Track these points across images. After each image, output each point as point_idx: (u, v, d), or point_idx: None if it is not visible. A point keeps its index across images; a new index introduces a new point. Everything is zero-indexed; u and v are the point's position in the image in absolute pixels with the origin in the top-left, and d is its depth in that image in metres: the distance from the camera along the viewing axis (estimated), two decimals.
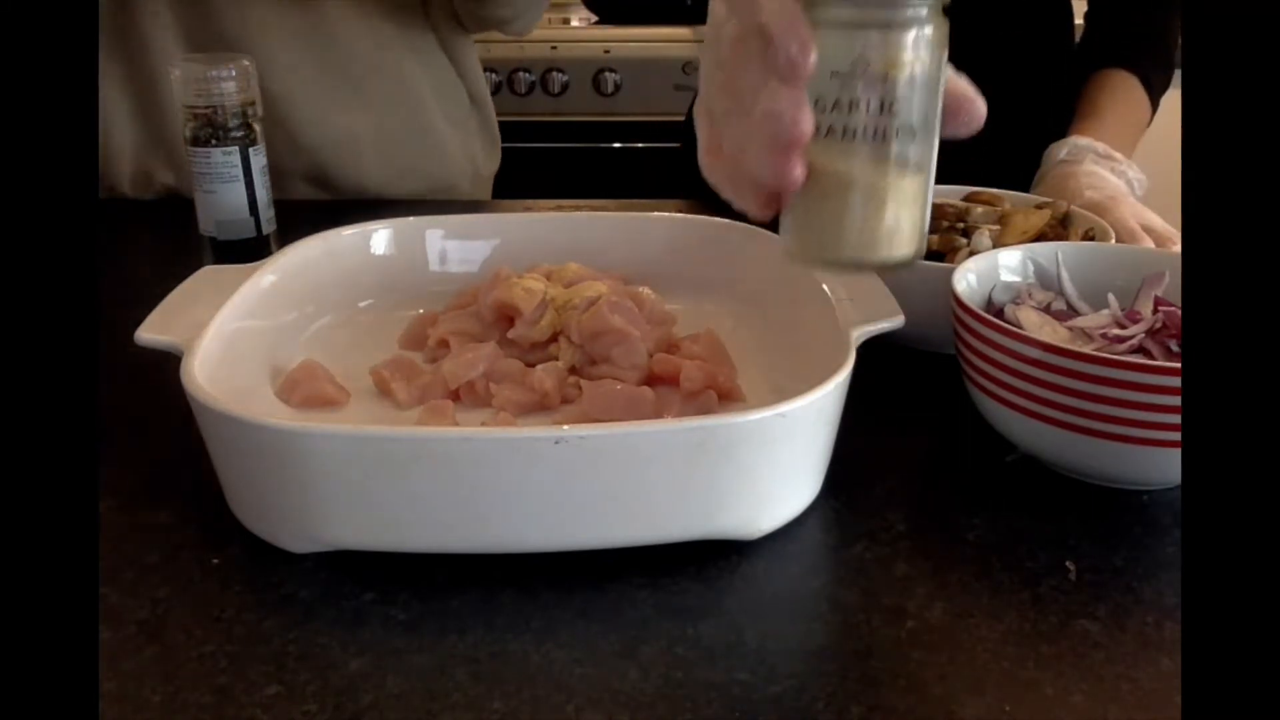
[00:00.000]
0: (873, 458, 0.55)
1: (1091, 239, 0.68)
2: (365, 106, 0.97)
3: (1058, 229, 0.70)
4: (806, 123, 0.35)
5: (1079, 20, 1.03)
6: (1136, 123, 0.92)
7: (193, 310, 0.54)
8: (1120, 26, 0.96)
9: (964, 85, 0.38)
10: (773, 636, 0.42)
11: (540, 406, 0.56)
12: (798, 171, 0.36)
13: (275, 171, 0.93)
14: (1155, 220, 0.74)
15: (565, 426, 0.42)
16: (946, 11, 0.36)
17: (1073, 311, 0.57)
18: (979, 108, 0.38)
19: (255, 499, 0.47)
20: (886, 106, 0.36)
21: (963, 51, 1.14)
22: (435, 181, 1.02)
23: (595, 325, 0.57)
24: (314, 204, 0.98)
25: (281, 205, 0.97)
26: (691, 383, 0.55)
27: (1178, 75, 1.00)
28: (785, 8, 0.35)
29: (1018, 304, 0.57)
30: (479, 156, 1.06)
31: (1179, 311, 0.53)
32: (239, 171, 0.76)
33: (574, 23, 2.10)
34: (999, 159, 0.95)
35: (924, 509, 0.51)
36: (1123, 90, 0.92)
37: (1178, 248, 0.71)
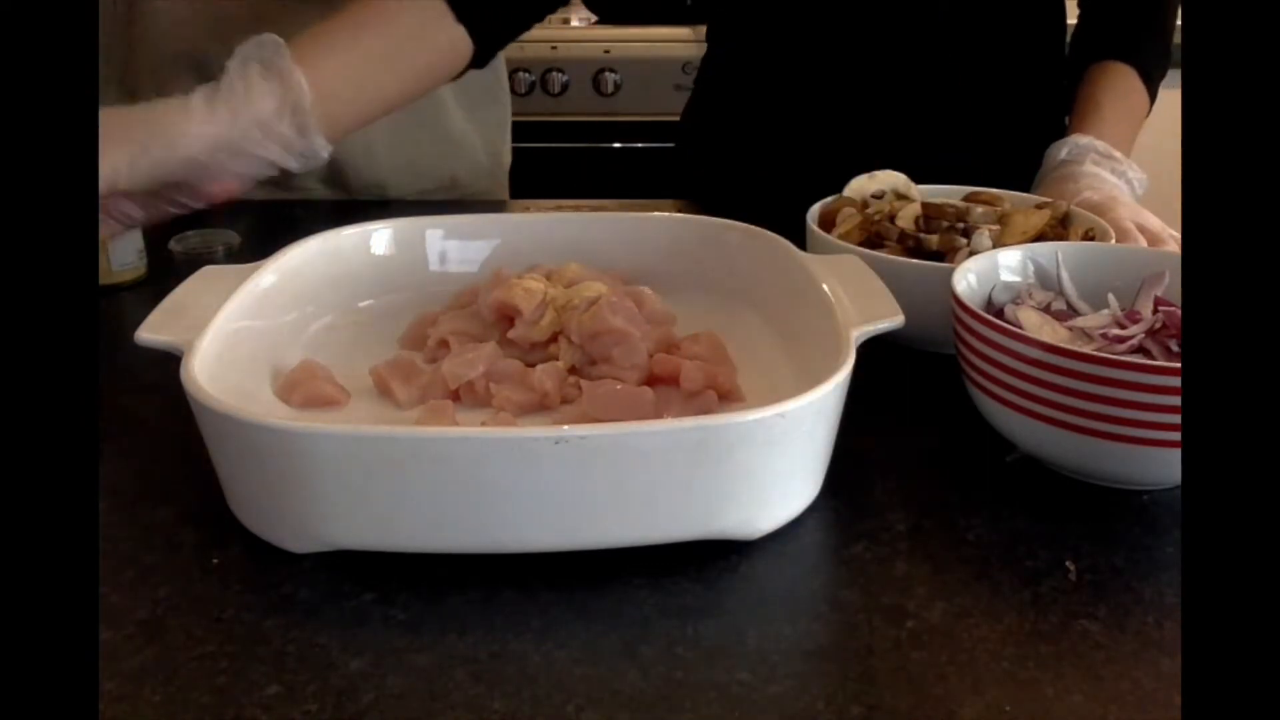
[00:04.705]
0: (873, 458, 0.55)
1: (1091, 239, 0.68)
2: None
3: (1058, 229, 0.70)
4: None
5: (1071, 20, 1.03)
6: (1135, 117, 0.92)
7: (193, 310, 0.53)
8: (1116, 17, 0.95)
9: None
10: (773, 636, 0.42)
11: (540, 406, 0.56)
12: None
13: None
14: (1151, 221, 0.74)
15: (565, 426, 0.42)
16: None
17: (1073, 311, 0.57)
18: None
19: (255, 499, 0.47)
20: None
21: (960, 55, 1.14)
22: (451, 179, 1.00)
23: (595, 325, 0.57)
24: (314, 204, 0.98)
25: (283, 206, 0.97)
26: (691, 383, 0.55)
27: (1175, 71, 0.99)
28: None
29: (1018, 304, 0.57)
30: (501, 150, 1.04)
31: (1179, 311, 0.53)
32: None
33: (574, 23, 2.09)
34: (999, 159, 0.95)
35: (924, 509, 0.51)
36: (1122, 84, 0.91)
37: (1171, 247, 0.71)
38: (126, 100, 0.93)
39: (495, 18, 0.77)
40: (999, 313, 0.56)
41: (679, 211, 0.77)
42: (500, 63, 1.04)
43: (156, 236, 0.81)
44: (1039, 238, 0.68)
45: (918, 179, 0.77)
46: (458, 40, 0.75)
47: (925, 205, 0.70)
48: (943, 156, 0.93)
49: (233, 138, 0.62)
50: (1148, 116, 0.94)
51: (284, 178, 0.95)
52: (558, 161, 1.93)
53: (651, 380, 0.56)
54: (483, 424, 0.53)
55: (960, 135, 0.99)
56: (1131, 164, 0.84)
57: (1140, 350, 0.53)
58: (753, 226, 0.68)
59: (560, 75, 1.89)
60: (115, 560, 0.46)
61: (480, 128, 1.02)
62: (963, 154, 0.97)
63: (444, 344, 0.61)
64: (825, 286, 0.56)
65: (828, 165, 0.82)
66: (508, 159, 1.07)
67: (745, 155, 1.10)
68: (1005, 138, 1.00)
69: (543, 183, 1.92)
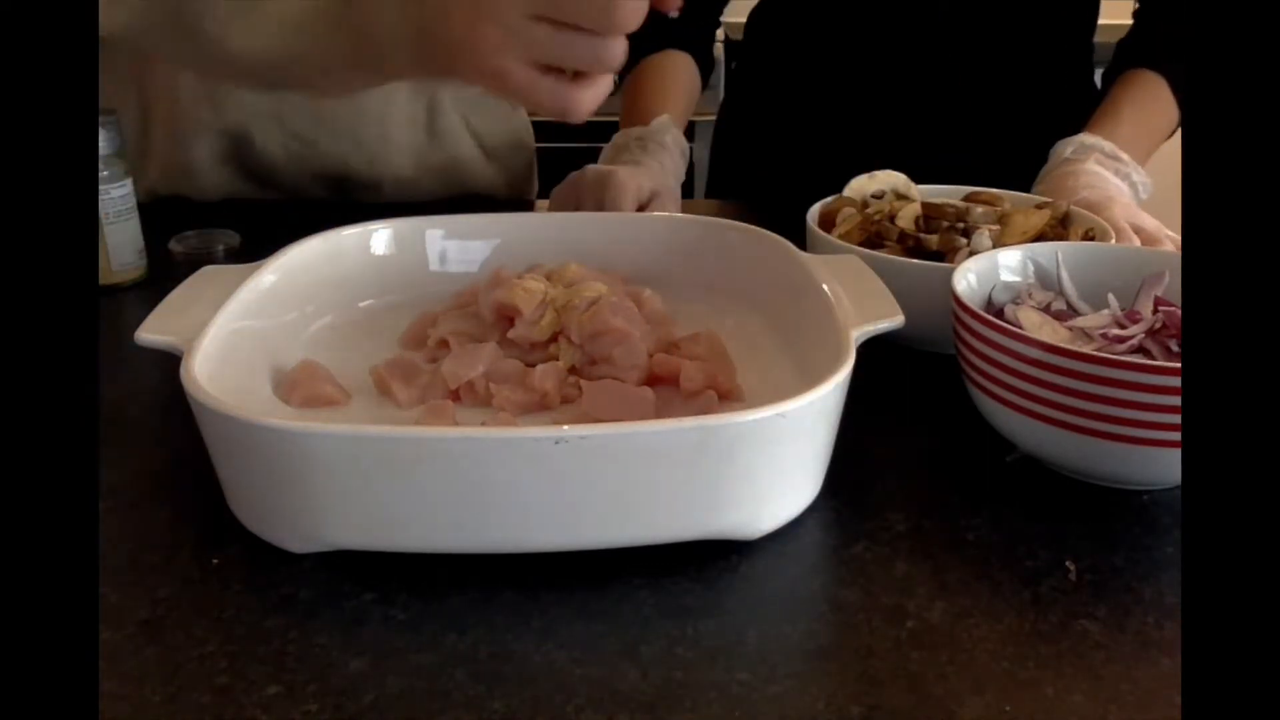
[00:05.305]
0: (873, 458, 0.55)
1: (1091, 239, 0.68)
2: (395, 142, 0.97)
3: (1058, 229, 0.70)
4: None
5: (1103, 20, 1.02)
6: (1156, 126, 0.89)
7: (193, 310, 0.53)
8: (1160, 29, 0.94)
9: None
10: (773, 636, 0.42)
11: (540, 406, 0.56)
12: None
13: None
14: (1148, 221, 0.74)
15: (566, 426, 0.42)
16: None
17: (1073, 311, 0.57)
18: None
19: (255, 499, 0.47)
20: None
21: (960, 55, 1.14)
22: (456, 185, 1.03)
23: (595, 325, 0.57)
24: (314, 204, 0.98)
25: (284, 205, 0.97)
26: (691, 383, 0.55)
27: None
28: None
29: (1018, 304, 0.57)
30: (521, 187, 1.08)
31: (1179, 311, 0.53)
32: None
33: None
34: (999, 159, 0.95)
35: (924, 509, 0.51)
36: (1149, 92, 0.89)
37: (1168, 247, 0.71)
38: (142, 116, 0.94)
39: (705, 43, 1.07)
40: (999, 313, 0.56)
41: (679, 211, 0.77)
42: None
43: (156, 236, 0.81)
44: (1039, 238, 0.68)
45: (918, 179, 0.77)
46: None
47: (925, 205, 0.70)
48: (943, 156, 0.93)
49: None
50: (1176, 129, 0.92)
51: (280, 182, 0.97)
52: (559, 161, 1.93)
53: (651, 380, 0.56)
54: (483, 424, 0.53)
55: (960, 135, 0.99)
56: (1138, 168, 0.84)
57: (1140, 350, 0.53)
58: (752, 226, 0.68)
59: None
60: (115, 560, 0.46)
61: (498, 167, 1.05)
62: (963, 154, 0.97)
63: (444, 344, 0.61)
64: (825, 286, 0.56)
65: (828, 165, 0.82)
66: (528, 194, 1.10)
67: (745, 155, 1.10)
68: (1005, 138, 1.00)
69: (544, 183, 1.91)
